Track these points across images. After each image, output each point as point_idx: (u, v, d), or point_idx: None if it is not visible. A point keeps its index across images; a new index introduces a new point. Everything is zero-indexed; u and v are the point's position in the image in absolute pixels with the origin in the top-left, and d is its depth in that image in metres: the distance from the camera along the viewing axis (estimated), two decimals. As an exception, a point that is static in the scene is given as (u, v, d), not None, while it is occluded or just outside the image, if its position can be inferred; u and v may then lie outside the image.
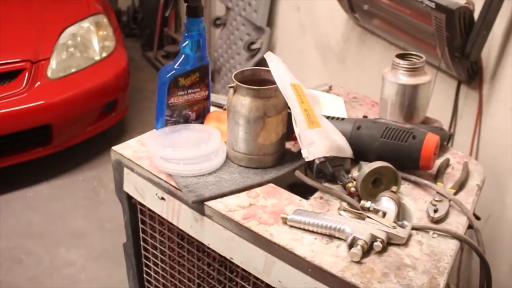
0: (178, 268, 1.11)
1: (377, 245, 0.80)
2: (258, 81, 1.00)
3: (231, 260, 0.91)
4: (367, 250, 0.81)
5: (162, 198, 1.00)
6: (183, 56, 1.06)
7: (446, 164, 1.06)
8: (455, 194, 0.96)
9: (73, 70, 2.27)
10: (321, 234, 0.85)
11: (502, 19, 1.39)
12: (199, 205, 0.92)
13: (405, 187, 0.99)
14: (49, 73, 2.19)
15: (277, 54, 2.56)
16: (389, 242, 0.83)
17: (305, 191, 0.98)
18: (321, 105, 1.20)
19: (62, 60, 2.27)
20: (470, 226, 0.91)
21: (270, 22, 2.48)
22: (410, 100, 1.18)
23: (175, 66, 1.06)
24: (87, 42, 2.39)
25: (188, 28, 1.04)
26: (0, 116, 2.07)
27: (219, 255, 0.95)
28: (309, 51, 2.28)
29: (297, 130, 0.88)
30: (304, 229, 0.85)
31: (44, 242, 2.09)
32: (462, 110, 1.62)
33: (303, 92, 0.93)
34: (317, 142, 0.88)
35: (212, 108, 1.18)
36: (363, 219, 0.86)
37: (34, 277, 1.93)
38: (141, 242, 1.17)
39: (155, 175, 0.99)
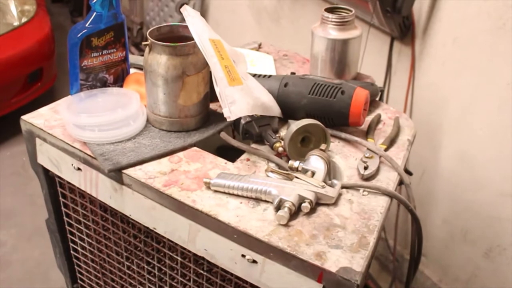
0: (105, 242, 1.04)
1: (305, 206, 0.77)
2: (177, 38, 0.93)
3: (154, 230, 0.86)
4: (295, 212, 0.77)
5: (79, 169, 0.92)
6: (95, 14, 0.96)
7: (377, 120, 1.04)
8: (386, 150, 0.95)
9: (-12, 37, 2.09)
10: (247, 197, 0.80)
11: (432, -28, 1.37)
12: (116, 174, 0.85)
13: (335, 145, 0.96)
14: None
15: (210, 14, 2.47)
16: (318, 203, 0.80)
17: (234, 154, 0.93)
18: (249, 63, 1.14)
19: (-24, 26, 2.08)
20: (401, 182, 0.90)
21: (203, -19, 2.37)
22: (340, 55, 1.14)
23: (86, 25, 0.96)
24: (4, 7, 2.19)
25: (97, -18, 0.95)
26: None
27: (144, 225, 0.89)
28: (242, 11, 2.20)
29: (217, 89, 0.82)
30: (229, 194, 0.80)
31: (-31, 223, 1.95)
32: (395, 66, 1.61)
33: (223, 48, 0.86)
34: (239, 100, 0.83)
35: (132, 70, 1.09)
36: (291, 179, 0.82)
37: (-41, 262, 1.80)
38: (64, 217, 1.09)
39: (69, 144, 0.91)
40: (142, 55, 0.97)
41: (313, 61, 1.19)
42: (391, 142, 0.97)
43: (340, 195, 0.82)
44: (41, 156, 0.98)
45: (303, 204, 0.77)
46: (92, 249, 1.09)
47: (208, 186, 0.81)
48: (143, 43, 0.87)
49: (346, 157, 0.93)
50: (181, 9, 0.89)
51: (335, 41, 1.12)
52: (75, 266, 1.20)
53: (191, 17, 0.87)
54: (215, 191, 0.81)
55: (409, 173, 1.06)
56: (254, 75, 1.02)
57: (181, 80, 0.87)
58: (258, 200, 0.80)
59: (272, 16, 2.05)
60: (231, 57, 0.94)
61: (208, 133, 0.94)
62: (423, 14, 1.46)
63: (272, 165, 0.89)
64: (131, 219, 0.90)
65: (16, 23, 2.19)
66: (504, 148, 1.38)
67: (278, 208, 0.77)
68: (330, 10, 1.15)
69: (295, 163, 0.85)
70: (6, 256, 1.82)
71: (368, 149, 0.92)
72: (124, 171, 0.84)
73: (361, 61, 1.61)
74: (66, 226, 1.11)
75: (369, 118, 1.04)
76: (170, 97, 0.89)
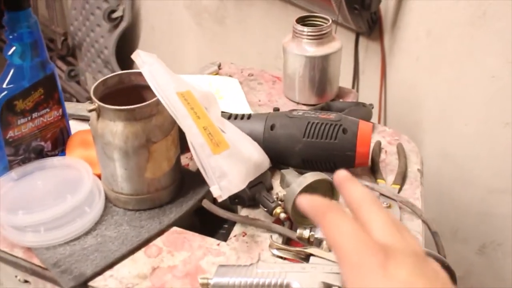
0: None
1: (335, 297, 0.60)
2: (130, 89, 0.72)
3: None
4: (323, 305, 0.61)
5: (26, 281, 0.70)
6: (14, 68, 0.73)
7: (379, 149, 0.89)
8: (399, 190, 0.80)
9: None
10: (258, 295, 0.62)
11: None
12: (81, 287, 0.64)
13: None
14: None
15: (143, 18, 2.21)
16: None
17: (218, 217, 0.75)
18: (215, 94, 0.95)
19: None
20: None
21: (129, -17, 2.10)
22: (321, 73, 0.97)
23: (4, 86, 0.73)
24: None
25: (11, 28, 0.71)
26: None
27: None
28: (179, 13, 1.97)
29: (197, 159, 0.63)
30: (235, 294, 0.62)
31: None
32: (363, 64, 1.47)
33: (196, 102, 0.67)
34: (230, 171, 0.64)
35: (74, 127, 0.87)
36: (305, 257, 0.65)
37: None
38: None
39: (7, 253, 0.68)
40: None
41: (288, 81, 1.02)
42: (403, 178, 0.82)
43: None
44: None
45: (332, 295, 0.60)
46: None
47: (207, 287, 0.62)
48: (88, 108, 0.66)
49: (359, 208, 0.77)
50: (133, 56, 0.68)
51: (314, 58, 0.95)
52: None
53: (147, 65, 0.66)
54: (217, 293, 0.63)
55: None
56: (229, 117, 0.83)
57: (146, 149, 0.67)
58: (272, 296, 0.62)
59: (215, 17, 1.83)
60: (203, 103, 0.75)
61: (187, 205, 0.74)
62: (390, 7, 1.32)
63: (275, 237, 0.71)
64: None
65: None
66: (492, 143, 1.28)
67: (302, 307, 0.60)
68: (301, 21, 0.97)
69: (305, 233, 0.68)
70: None
71: (382, 195, 0.77)
72: (90, 283, 0.64)
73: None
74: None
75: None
76: (133, 172, 0.69)
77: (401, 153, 0.87)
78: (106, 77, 0.71)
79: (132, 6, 2.11)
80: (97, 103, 0.65)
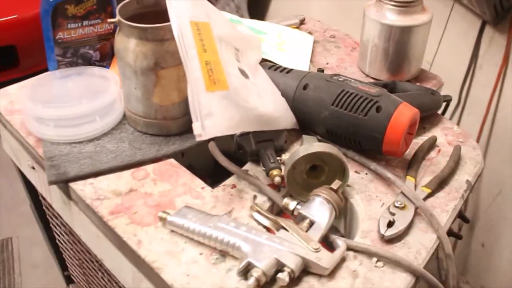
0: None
1: (282, 278, 0.54)
2: (163, 15, 0.70)
3: (102, 262, 0.68)
4: (269, 282, 0.55)
5: (33, 168, 0.75)
6: (72, -27, 0.77)
7: (430, 145, 0.76)
8: (430, 195, 0.67)
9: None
10: (210, 247, 0.59)
11: None
12: (64, 186, 0.67)
13: (360, 177, 0.70)
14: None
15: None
16: (307, 270, 0.57)
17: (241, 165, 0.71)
18: (276, 45, 0.90)
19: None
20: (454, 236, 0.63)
21: None
22: (397, 47, 0.86)
23: (58, -12, 0.77)
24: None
25: None
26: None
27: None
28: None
29: (190, 94, 0.60)
30: (188, 237, 0.60)
31: (7, 174, 1.93)
32: (483, 58, 1.26)
33: (209, 35, 0.63)
34: (218, 113, 0.59)
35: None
36: (278, 230, 0.60)
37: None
38: (44, 207, 0.96)
39: (23, 138, 0.74)
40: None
41: (362, 50, 0.92)
42: (441, 183, 0.69)
43: (343, 260, 0.58)
44: (4, 143, 0.83)
45: (279, 275, 0.54)
46: (74, 240, 0.95)
47: (164, 222, 0.61)
48: (109, 20, 0.66)
49: (370, 199, 0.67)
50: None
51: (391, 27, 0.84)
52: (63, 254, 1.08)
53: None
54: (172, 231, 0.60)
55: (465, 220, 0.78)
56: (269, 68, 0.78)
57: (154, 73, 0.66)
58: (224, 253, 0.58)
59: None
60: (234, 45, 0.71)
61: (191, 142, 0.72)
62: (530, -6, 1.10)
63: (263, 200, 0.66)
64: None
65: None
66: None
67: (243, 273, 0.55)
68: (391, -15, 0.86)
69: (291, 204, 0.62)
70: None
71: (402, 193, 0.66)
72: (71, 184, 0.66)
73: (437, 48, 1.29)
74: (47, 216, 0.97)
75: (419, 141, 0.76)
76: (142, 93, 0.68)
77: (454, 156, 0.73)
78: (144, -5, 0.70)
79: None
80: (118, 17, 0.65)
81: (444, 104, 0.84)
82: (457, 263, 1.47)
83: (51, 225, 1.00)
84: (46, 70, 0.83)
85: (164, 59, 0.65)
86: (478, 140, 1.27)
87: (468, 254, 1.45)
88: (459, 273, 1.51)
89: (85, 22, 0.80)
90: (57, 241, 1.04)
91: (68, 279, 1.17)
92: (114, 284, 0.80)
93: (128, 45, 0.65)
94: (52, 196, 0.73)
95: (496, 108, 1.26)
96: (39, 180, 0.75)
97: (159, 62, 0.65)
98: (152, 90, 0.67)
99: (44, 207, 0.95)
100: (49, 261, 1.64)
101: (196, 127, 0.59)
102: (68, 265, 1.10)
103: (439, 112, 0.84)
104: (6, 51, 1.98)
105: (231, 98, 0.61)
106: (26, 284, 1.60)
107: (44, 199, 0.91)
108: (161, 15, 0.70)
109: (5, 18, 1.91)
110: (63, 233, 0.94)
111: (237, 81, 0.64)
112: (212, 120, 0.59)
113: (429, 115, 0.81)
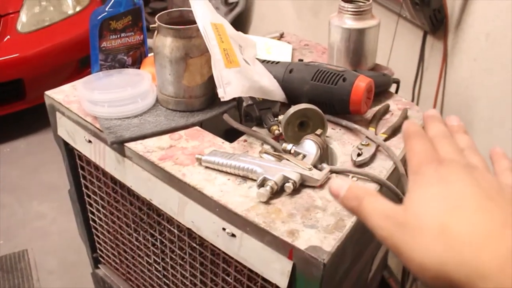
0: (116, 214, 1.11)
1: (288, 186, 0.78)
2: (186, 23, 0.97)
3: (151, 201, 0.91)
4: (279, 192, 0.79)
5: (89, 141, 0.98)
6: (114, -2, 1.03)
7: (385, 110, 1.03)
8: (386, 139, 0.94)
9: (45, 24, 2.24)
10: (235, 175, 0.83)
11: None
12: (119, 146, 0.91)
13: (335, 132, 0.96)
14: (19, 27, 2.16)
15: (255, 7, 2.50)
16: (304, 185, 0.81)
17: (239, 137, 0.96)
18: (265, 50, 1.17)
19: (34, 14, 2.24)
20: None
21: (249, -26, 2.41)
22: (356, 45, 1.14)
23: (106, 9, 1.03)
24: (61, -4, 2.35)
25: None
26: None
27: (146, 198, 0.94)
28: (285, 5, 2.22)
29: (215, 71, 0.86)
30: (218, 170, 0.84)
31: (18, 196, 2.11)
32: (428, 61, 1.57)
33: (224, 32, 0.90)
34: (234, 81, 0.85)
35: (151, 54, 1.15)
36: (281, 161, 0.84)
37: (6, 229, 1.96)
38: (83, 188, 1.17)
39: (82, 118, 0.98)
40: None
41: (330, 51, 1.20)
42: (394, 131, 0.96)
43: (328, 179, 0.83)
44: (60, 128, 1.06)
45: (286, 184, 0.79)
46: (107, 220, 1.17)
47: (199, 162, 0.85)
48: (151, 26, 0.92)
49: (344, 144, 0.93)
50: (188, -6, 0.93)
51: (350, 30, 1.12)
52: (94, 236, 1.28)
53: (195, 1, 0.91)
54: (206, 167, 0.85)
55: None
56: (263, 61, 1.05)
57: (184, 61, 0.91)
58: (245, 178, 0.83)
59: (311, 10, 2.05)
60: (238, 42, 0.97)
61: (211, 114, 0.97)
62: (456, 7, 1.42)
63: (267, 147, 0.91)
64: (134, 191, 0.95)
65: (70, 12, 2.33)
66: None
67: (261, 186, 0.79)
68: (348, 0, 1.15)
69: (288, 146, 0.87)
70: (45, 227, 1.96)
71: (366, 137, 0.92)
72: (126, 144, 0.90)
73: (389, 54, 1.59)
74: (85, 197, 1.19)
75: (376, 108, 1.03)
76: (175, 78, 0.94)
77: (403, 114, 1.01)
78: (171, 10, 0.97)
79: (247, -4, 2.41)
80: (158, 22, 0.91)
81: (395, 85, 1.12)
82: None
83: (87, 205, 1.21)
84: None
85: (191, 51, 0.91)
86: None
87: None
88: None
89: (122, 34, 1.05)
90: (90, 221, 1.25)
91: (96, 261, 1.36)
92: (143, 246, 1.02)
93: (165, 42, 0.91)
94: (106, 159, 0.96)
95: (442, 102, 1.55)
96: (94, 151, 0.98)
97: (188, 53, 0.91)
98: (182, 74, 0.93)
99: (83, 188, 1.17)
100: (64, 267, 1.83)
101: (220, 92, 0.85)
102: (97, 246, 1.31)
103: (394, 91, 1.12)
104: (14, 84, 2.20)
105: (242, 73, 0.87)
106: None
107: (85, 179, 1.13)
108: (183, 23, 0.97)
109: (14, 55, 2.14)
110: (100, 208, 1.15)
111: (244, 63, 0.91)
112: (230, 86, 0.85)
113: (383, 90, 1.08)
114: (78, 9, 2.36)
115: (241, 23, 2.53)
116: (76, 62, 2.35)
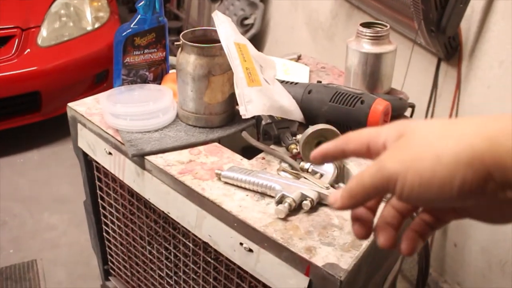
0: (131, 226, 1.12)
1: (306, 204, 0.80)
2: (209, 41, 1.00)
3: (168, 214, 0.92)
4: (296, 209, 0.80)
5: (110, 153, 1.00)
6: (139, 16, 1.06)
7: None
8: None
9: (64, 39, 2.29)
10: (253, 191, 0.84)
11: (480, -7, 1.36)
12: (140, 159, 0.93)
13: (352, 153, 0.98)
14: (39, 41, 2.21)
15: (270, 30, 2.55)
16: (321, 203, 0.82)
17: (257, 155, 0.98)
18: (283, 71, 1.19)
19: (54, 29, 2.29)
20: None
21: (265, -3, 2.47)
22: (372, 69, 1.16)
23: (131, 26, 1.06)
24: (80, 12, 2.41)
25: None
26: (-10, 80, 2.10)
27: (164, 212, 0.96)
28: (299, 28, 2.26)
29: (237, 89, 0.88)
30: (237, 186, 0.85)
31: (29, 206, 2.13)
32: (441, 88, 1.59)
33: (247, 52, 0.92)
34: (256, 100, 0.88)
35: (172, 71, 1.18)
36: (299, 179, 0.86)
37: (16, 239, 1.97)
38: (99, 200, 1.19)
39: (103, 130, 1.00)
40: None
41: (347, 74, 1.22)
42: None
43: (345, 198, 0.84)
44: (81, 140, 1.08)
45: (304, 202, 0.80)
46: (121, 232, 1.18)
47: (219, 177, 0.86)
48: (176, 43, 0.95)
49: (360, 164, 0.94)
50: (213, 14, 0.96)
51: (367, 54, 1.14)
52: (107, 248, 1.29)
53: (220, 21, 0.94)
54: (225, 182, 0.86)
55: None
56: (282, 81, 1.07)
57: (207, 79, 0.94)
58: (263, 194, 0.84)
59: (327, 33, 2.09)
60: (259, 62, 1.00)
61: (230, 131, 0.99)
62: (471, 35, 1.44)
63: (285, 165, 0.92)
64: (151, 204, 0.97)
65: (89, 28, 2.39)
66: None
67: (279, 202, 0.80)
68: (365, 25, 1.18)
69: (306, 165, 0.89)
70: (55, 238, 1.97)
71: (382, 159, 0.94)
72: (146, 157, 0.92)
73: (404, 79, 1.61)
74: (100, 209, 1.20)
75: (392, 131, 1.04)
76: (196, 94, 0.96)
77: (418, 138, 1.02)
78: (195, 29, 1.00)
79: (263, 17, 2.46)
80: (182, 40, 0.94)
81: (410, 109, 1.14)
82: (435, 265, 1.72)
83: (101, 217, 1.22)
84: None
85: (214, 69, 0.93)
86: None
87: (444, 255, 1.70)
88: (438, 274, 1.75)
89: (146, 50, 1.08)
90: (104, 233, 1.26)
91: (107, 273, 1.37)
92: (156, 260, 1.03)
93: (189, 59, 0.93)
94: (126, 171, 0.98)
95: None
96: (113, 163, 1.00)
97: (211, 71, 0.93)
98: (204, 91, 0.95)
99: (99, 199, 1.19)
100: (72, 279, 1.83)
101: (242, 109, 0.87)
102: (109, 257, 1.32)
103: (408, 116, 1.14)
104: (31, 96, 2.24)
105: (263, 92, 0.90)
106: (54, 298, 1.77)
107: (102, 190, 1.15)
108: (207, 41, 0.99)
109: (33, 68, 2.19)
110: (115, 220, 1.16)
111: (265, 83, 0.93)
112: (252, 104, 0.87)
113: (398, 115, 1.10)
114: (97, 25, 2.41)
115: (255, 45, 2.56)
116: (92, 77, 2.40)
